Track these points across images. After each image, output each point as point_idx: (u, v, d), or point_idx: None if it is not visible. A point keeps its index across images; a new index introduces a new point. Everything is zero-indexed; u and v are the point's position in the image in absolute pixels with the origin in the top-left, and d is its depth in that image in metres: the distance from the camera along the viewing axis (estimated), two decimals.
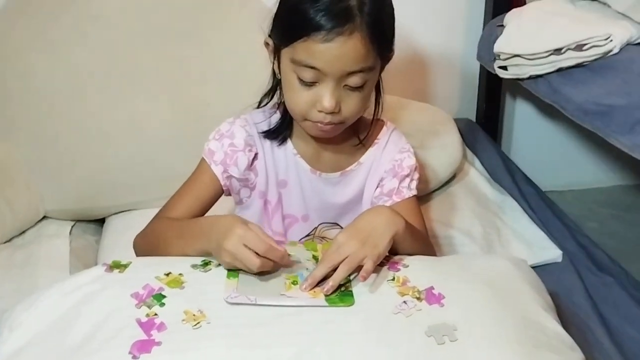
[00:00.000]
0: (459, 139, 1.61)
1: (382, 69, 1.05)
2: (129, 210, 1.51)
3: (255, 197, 1.15)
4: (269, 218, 1.16)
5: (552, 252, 1.44)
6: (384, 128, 1.17)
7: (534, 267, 1.10)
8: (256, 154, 1.11)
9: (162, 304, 0.88)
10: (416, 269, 0.96)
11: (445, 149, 1.56)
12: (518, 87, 1.87)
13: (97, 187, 1.47)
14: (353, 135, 1.13)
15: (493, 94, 1.89)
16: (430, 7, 1.83)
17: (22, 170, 1.44)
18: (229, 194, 1.16)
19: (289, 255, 0.95)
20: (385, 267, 0.96)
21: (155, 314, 0.86)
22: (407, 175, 1.14)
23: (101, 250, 1.44)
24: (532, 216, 1.56)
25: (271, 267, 0.92)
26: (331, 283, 0.90)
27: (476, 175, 1.66)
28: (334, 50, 0.93)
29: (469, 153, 1.73)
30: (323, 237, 1.19)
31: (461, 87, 1.94)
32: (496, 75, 1.63)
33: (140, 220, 1.47)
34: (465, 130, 1.80)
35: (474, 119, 1.94)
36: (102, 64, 1.45)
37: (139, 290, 0.90)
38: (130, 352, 0.80)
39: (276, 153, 1.12)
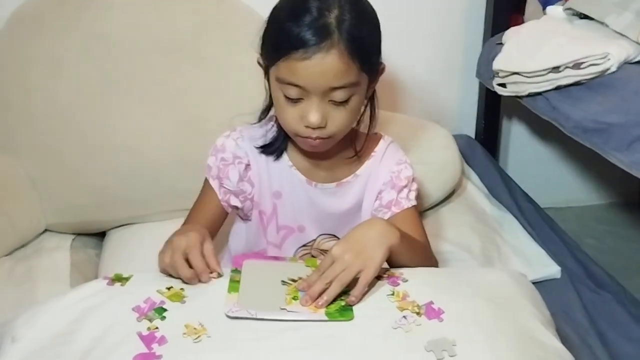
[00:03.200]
0: (458, 156, 1.61)
1: (372, 82, 1.07)
2: (129, 224, 1.52)
3: (254, 210, 1.16)
4: (264, 229, 1.17)
5: (550, 269, 1.44)
6: (381, 141, 1.18)
7: (532, 283, 1.10)
8: (247, 165, 1.13)
9: (163, 318, 0.88)
10: (416, 283, 0.97)
11: (444, 166, 1.56)
12: (517, 104, 1.87)
13: (98, 201, 1.47)
14: (349, 147, 1.14)
15: (492, 111, 1.90)
16: (429, 24, 1.85)
17: (24, 184, 1.45)
18: (234, 211, 1.17)
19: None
20: (385, 281, 0.97)
21: (157, 328, 0.86)
22: (405, 186, 1.14)
23: (102, 264, 1.45)
24: (531, 232, 1.56)
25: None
26: (325, 297, 0.91)
27: (475, 191, 1.67)
28: (313, 67, 0.95)
29: (468, 169, 1.74)
30: (322, 250, 1.20)
31: (460, 104, 1.96)
32: (495, 93, 1.65)
33: (140, 233, 1.49)
34: (464, 147, 1.81)
35: (473, 136, 1.95)
36: (105, 80, 1.46)
37: (140, 303, 0.90)
38: None
39: (271, 165, 1.14)
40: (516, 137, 2.04)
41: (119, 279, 0.96)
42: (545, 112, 1.44)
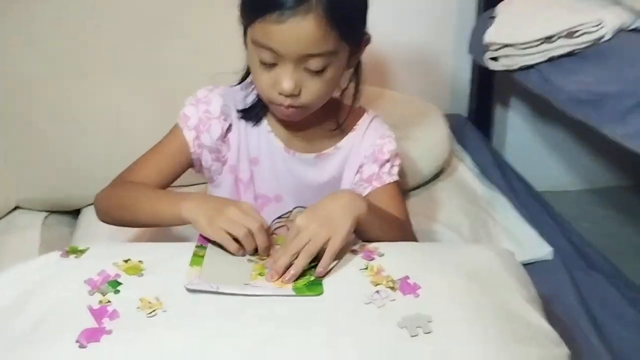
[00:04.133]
0: (447, 132, 1.55)
1: (355, 53, 1.01)
2: None
3: (226, 173, 1.10)
4: (240, 196, 1.12)
5: (542, 250, 1.39)
6: (365, 115, 1.13)
7: (524, 265, 1.04)
8: (230, 126, 1.08)
9: (117, 291, 0.82)
10: (392, 257, 0.91)
11: (431, 142, 1.50)
12: (511, 83, 1.82)
13: (72, 177, 1.42)
14: (330, 119, 1.09)
15: (485, 89, 1.84)
16: (422, 1, 1.78)
17: None
18: (200, 170, 1.11)
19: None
20: (359, 256, 0.91)
21: (109, 301, 0.80)
22: (388, 160, 1.10)
23: (74, 243, 1.38)
24: (523, 214, 1.50)
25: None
26: (292, 272, 0.86)
27: (466, 172, 1.61)
28: (288, 32, 0.90)
29: (460, 149, 1.68)
30: None
31: (453, 82, 1.90)
32: (488, 71, 1.58)
33: None
34: (456, 126, 1.75)
35: (466, 115, 1.88)
36: (81, 53, 1.41)
37: (93, 276, 0.84)
38: (77, 341, 0.75)
39: (249, 131, 1.09)
40: (511, 117, 1.98)
41: (74, 251, 0.90)
42: (537, 86, 1.38)
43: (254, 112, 1.08)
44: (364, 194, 1.08)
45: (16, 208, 1.46)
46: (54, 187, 1.43)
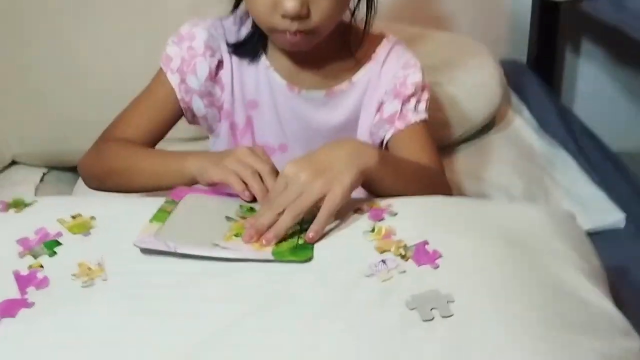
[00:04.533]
0: (499, 75, 1.32)
1: None
2: None
3: (223, 119, 0.93)
4: (240, 141, 0.95)
5: (612, 216, 1.18)
6: (384, 41, 0.93)
7: (590, 235, 0.81)
8: (220, 62, 0.90)
9: (53, 253, 0.66)
10: (407, 217, 0.71)
11: (481, 88, 1.28)
12: (580, 19, 1.55)
13: (70, 128, 1.28)
14: (342, 48, 0.89)
15: (548, 29, 1.58)
16: None
17: None
18: (193, 121, 0.94)
19: None
20: (365, 215, 0.71)
21: (41, 266, 0.64)
22: (413, 95, 0.90)
23: None
24: (591, 175, 1.28)
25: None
26: (272, 232, 0.67)
27: (522, 124, 1.37)
28: None
29: (516, 99, 1.45)
30: None
31: (509, 21, 1.64)
32: (551, 4, 1.33)
33: None
34: (514, 74, 1.50)
35: (524, 62, 1.63)
36: None
37: (29, 235, 0.68)
38: None
39: (245, 68, 0.91)
40: (580, 64, 1.71)
41: (17, 204, 0.74)
42: (609, 15, 1.13)
43: (249, 46, 0.90)
44: (386, 137, 0.90)
45: (13, 163, 1.33)
46: (52, 140, 1.30)
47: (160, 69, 0.92)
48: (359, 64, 0.91)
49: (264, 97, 0.91)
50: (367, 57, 0.91)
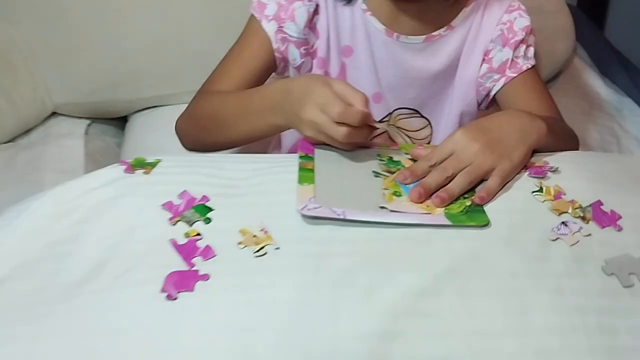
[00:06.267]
0: (571, 21, 1.27)
1: None
2: (155, 106, 1.24)
3: (315, 69, 0.87)
4: None
5: None
6: None
7: None
8: (317, 7, 0.84)
9: (208, 220, 0.59)
10: (571, 175, 0.66)
11: (555, 33, 1.23)
12: None
13: (115, 76, 1.19)
14: None
15: None
16: None
17: (24, 56, 1.17)
18: (283, 72, 0.88)
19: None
20: (524, 173, 0.67)
21: (198, 234, 0.58)
22: (522, 41, 0.85)
23: (123, 154, 1.19)
24: None
25: (365, 138, 0.69)
26: (446, 194, 0.63)
27: (586, 71, 1.33)
28: None
29: (578, 46, 1.39)
30: (401, 129, 0.91)
31: None
32: None
33: (169, 118, 1.19)
34: None
35: (575, 4, 1.58)
36: None
37: (173, 199, 0.61)
38: (163, 290, 0.53)
39: (340, 12, 0.85)
40: (630, 7, 1.64)
41: (141, 164, 0.67)
42: None
43: None
44: (496, 88, 0.86)
45: (54, 114, 1.23)
46: (96, 89, 1.21)
47: (252, 16, 0.85)
48: (457, 9, 0.85)
49: (359, 44, 0.85)
50: (465, 2, 0.85)
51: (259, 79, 0.85)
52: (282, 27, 0.83)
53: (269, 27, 0.83)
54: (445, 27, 0.85)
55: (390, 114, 0.90)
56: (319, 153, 0.69)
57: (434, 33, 0.85)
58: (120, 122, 1.29)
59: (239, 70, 0.84)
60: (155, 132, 1.18)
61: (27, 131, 1.20)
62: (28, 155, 1.12)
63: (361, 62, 0.87)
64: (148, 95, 1.21)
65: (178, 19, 1.17)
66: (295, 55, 0.85)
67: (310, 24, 0.84)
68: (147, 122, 1.21)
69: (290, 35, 0.83)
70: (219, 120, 0.81)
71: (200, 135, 0.85)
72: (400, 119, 0.91)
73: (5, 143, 1.16)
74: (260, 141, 1.04)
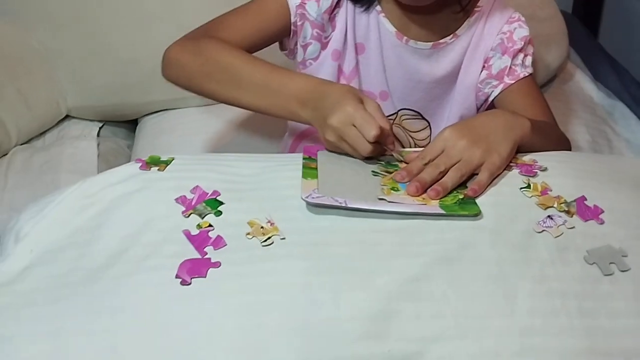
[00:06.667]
0: (565, 29, 1.31)
1: None
2: (165, 109, 1.28)
3: (326, 59, 0.90)
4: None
5: None
6: None
7: None
8: (340, 1, 0.88)
9: (219, 213, 0.64)
10: (557, 173, 0.71)
11: (549, 39, 1.27)
12: None
13: (128, 80, 1.24)
14: (450, 3, 0.88)
15: None
16: None
17: (40, 59, 1.22)
18: (287, 47, 0.91)
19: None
20: (515, 171, 0.71)
21: (210, 225, 0.63)
22: (521, 50, 0.90)
23: (134, 156, 1.23)
24: None
25: (379, 153, 0.73)
26: (440, 186, 0.67)
27: (580, 76, 1.37)
28: None
29: (572, 51, 1.44)
30: (405, 129, 0.96)
31: None
32: None
33: (178, 122, 1.26)
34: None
35: (569, 10, 1.62)
36: None
37: (186, 193, 0.66)
38: (178, 276, 0.58)
39: (357, 10, 0.89)
40: (623, 13, 1.68)
41: (156, 162, 0.71)
42: None
43: None
44: (494, 94, 0.90)
45: (67, 117, 1.28)
46: (108, 92, 1.25)
47: None
48: (462, 19, 0.90)
49: (371, 43, 0.90)
50: (470, 12, 0.90)
51: (264, 42, 0.87)
52: (304, 3, 0.85)
53: (292, 0, 0.86)
54: (451, 36, 0.90)
55: (396, 113, 0.95)
56: (321, 155, 0.74)
57: (440, 41, 0.89)
58: (131, 124, 1.33)
59: (251, 28, 0.86)
60: (165, 134, 1.23)
61: (42, 133, 1.25)
62: (44, 156, 1.17)
63: (372, 60, 0.91)
64: (158, 99, 1.26)
65: (188, 26, 1.22)
66: (307, 33, 0.88)
67: (331, 14, 0.88)
68: (157, 125, 1.26)
69: (309, 14, 0.86)
70: (233, 78, 0.79)
71: (200, 79, 0.82)
72: (404, 119, 0.95)
73: (21, 145, 1.21)
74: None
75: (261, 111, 0.80)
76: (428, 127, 0.96)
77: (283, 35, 0.89)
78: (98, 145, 1.22)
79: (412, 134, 0.96)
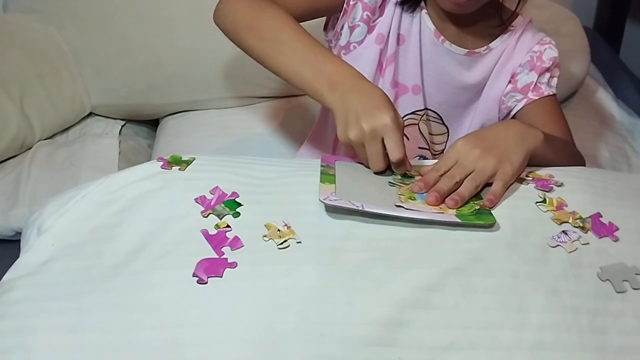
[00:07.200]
0: (587, 45, 1.31)
1: None
2: (186, 111, 1.31)
3: (370, 42, 0.91)
4: (380, 75, 0.92)
5: None
6: (520, 17, 0.94)
7: None
8: None
9: (237, 214, 0.65)
10: (574, 188, 0.71)
11: (571, 55, 1.27)
12: None
13: (150, 80, 1.26)
14: (491, 16, 0.90)
15: None
16: None
17: (66, 58, 1.25)
18: (333, 27, 0.92)
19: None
20: (531, 185, 0.72)
21: (228, 226, 0.64)
22: (548, 70, 0.92)
23: (154, 155, 1.26)
24: None
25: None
26: (458, 196, 0.68)
27: (601, 92, 1.38)
28: None
29: (593, 67, 1.44)
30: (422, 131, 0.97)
31: None
32: None
33: (199, 123, 1.27)
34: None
35: (591, 26, 1.62)
36: None
37: (205, 193, 0.67)
38: (195, 275, 0.59)
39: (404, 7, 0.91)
40: None
41: (177, 161, 0.73)
42: None
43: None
44: (517, 108, 0.92)
45: (90, 114, 1.31)
46: (132, 92, 1.28)
47: None
48: (497, 34, 0.92)
49: (412, 36, 0.91)
50: (504, 29, 0.92)
51: (317, 14, 0.89)
52: None
53: None
54: (485, 47, 0.92)
55: (424, 109, 0.95)
56: (339, 164, 0.75)
57: (475, 50, 0.91)
58: (152, 124, 1.35)
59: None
60: (185, 135, 1.24)
61: (65, 129, 1.28)
62: (66, 152, 1.19)
63: (410, 53, 0.92)
64: (180, 100, 1.28)
65: (212, 31, 1.23)
66: (358, 14, 0.89)
67: (383, 0, 0.89)
68: (178, 125, 1.27)
69: None
70: (277, 39, 0.79)
71: (245, 29, 0.82)
72: (427, 119, 0.96)
73: (45, 140, 1.24)
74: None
75: (290, 79, 0.79)
76: (446, 134, 0.97)
77: (334, 11, 0.90)
78: (119, 143, 1.24)
79: (429, 136, 0.97)
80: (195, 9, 1.23)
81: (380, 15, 0.90)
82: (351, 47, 0.92)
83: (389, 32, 0.90)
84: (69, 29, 1.24)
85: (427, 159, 0.94)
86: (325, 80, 0.75)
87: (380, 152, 0.71)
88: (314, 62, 0.77)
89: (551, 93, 0.92)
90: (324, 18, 0.95)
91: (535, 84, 0.91)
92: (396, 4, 0.89)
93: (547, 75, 0.92)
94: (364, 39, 0.91)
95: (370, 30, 0.90)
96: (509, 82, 0.92)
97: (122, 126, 1.31)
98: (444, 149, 0.98)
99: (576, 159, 0.87)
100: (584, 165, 0.88)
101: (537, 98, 0.90)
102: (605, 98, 1.37)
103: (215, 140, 1.22)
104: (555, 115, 0.91)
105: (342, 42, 0.92)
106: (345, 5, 0.89)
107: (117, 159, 1.18)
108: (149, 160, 1.21)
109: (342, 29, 0.91)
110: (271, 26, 0.80)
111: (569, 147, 0.87)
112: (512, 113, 0.92)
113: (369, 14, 0.89)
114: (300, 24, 0.82)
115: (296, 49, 0.78)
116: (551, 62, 0.92)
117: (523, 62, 0.92)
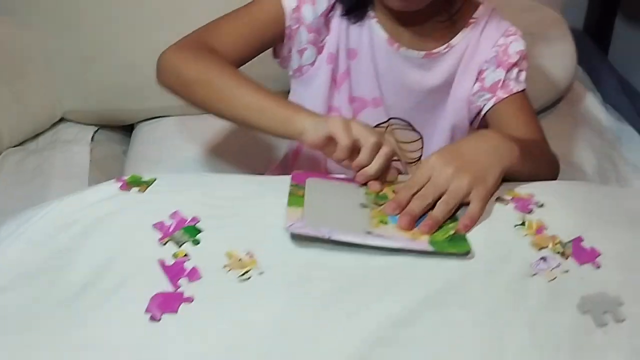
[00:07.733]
0: (574, 48, 1.28)
1: None
2: (161, 116, 1.26)
3: (322, 63, 0.88)
4: (334, 94, 0.90)
5: None
6: (481, 7, 0.90)
7: None
8: (335, 5, 0.86)
9: (196, 242, 0.61)
10: (555, 209, 0.68)
11: (557, 59, 1.24)
12: None
13: (125, 85, 1.22)
14: (441, 11, 0.86)
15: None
16: None
17: (37, 62, 1.21)
18: (282, 55, 0.89)
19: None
20: (510, 206, 0.68)
21: (186, 255, 0.60)
22: (515, 64, 0.88)
23: (128, 162, 1.21)
24: None
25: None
26: (430, 221, 0.65)
27: (589, 97, 1.34)
28: None
29: (580, 71, 1.40)
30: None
31: None
32: None
33: (175, 129, 1.23)
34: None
35: (580, 27, 1.58)
36: None
37: (164, 219, 0.64)
38: (147, 311, 0.55)
39: (350, 18, 0.87)
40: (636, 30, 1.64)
41: (137, 182, 0.69)
42: None
43: (356, 4, 0.86)
44: (486, 107, 0.88)
45: (62, 120, 1.27)
46: (105, 97, 1.23)
47: None
48: (457, 29, 0.88)
49: (364, 48, 0.88)
50: (465, 22, 0.88)
51: (258, 48, 0.86)
52: (300, 6, 0.84)
53: (288, 3, 0.84)
54: (445, 46, 0.88)
55: (387, 121, 0.92)
56: (310, 183, 0.71)
57: (433, 50, 0.87)
58: (126, 129, 1.31)
59: (246, 35, 0.84)
60: (160, 141, 1.20)
61: (36, 136, 1.23)
62: (36, 159, 1.15)
63: (363, 67, 0.89)
64: (155, 106, 1.23)
65: (186, 32, 1.19)
66: (302, 38, 0.86)
67: (326, 17, 0.86)
68: (153, 131, 1.23)
69: (304, 18, 0.84)
70: (227, 96, 0.79)
71: (192, 88, 0.81)
72: (394, 129, 0.93)
73: (14, 147, 1.20)
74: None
75: (250, 118, 0.78)
76: (420, 140, 0.93)
77: (278, 40, 0.87)
78: (91, 150, 1.20)
79: (403, 145, 0.93)
80: (171, 11, 1.19)
81: (327, 33, 0.87)
82: (303, 70, 0.89)
83: (338, 49, 0.87)
84: (39, 31, 1.20)
85: (401, 172, 0.91)
86: (293, 112, 0.74)
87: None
88: (271, 105, 0.76)
89: (520, 89, 0.88)
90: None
91: (504, 81, 0.87)
92: (342, 16, 0.86)
93: (515, 70, 0.88)
94: (314, 60, 0.88)
95: (319, 50, 0.87)
96: (477, 80, 0.88)
97: (95, 132, 1.26)
98: (420, 156, 0.94)
99: (550, 166, 0.84)
100: (558, 169, 0.85)
101: (506, 96, 0.87)
102: (592, 103, 1.33)
103: (193, 147, 1.17)
104: (526, 114, 0.87)
105: (294, 65, 0.89)
106: (286, 30, 0.85)
107: (87, 167, 1.14)
108: (123, 168, 1.19)
109: (289, 52, 0.87)
110: (223, 80, 0.79)
111: (543, 155, 0.84)
112: (482, 112, 0.89)
113: (315, 35, 0.86)
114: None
115: (246, 102, 0.77)
116: (518, 56, 0.87)
117: (489, 57, 0.87)
